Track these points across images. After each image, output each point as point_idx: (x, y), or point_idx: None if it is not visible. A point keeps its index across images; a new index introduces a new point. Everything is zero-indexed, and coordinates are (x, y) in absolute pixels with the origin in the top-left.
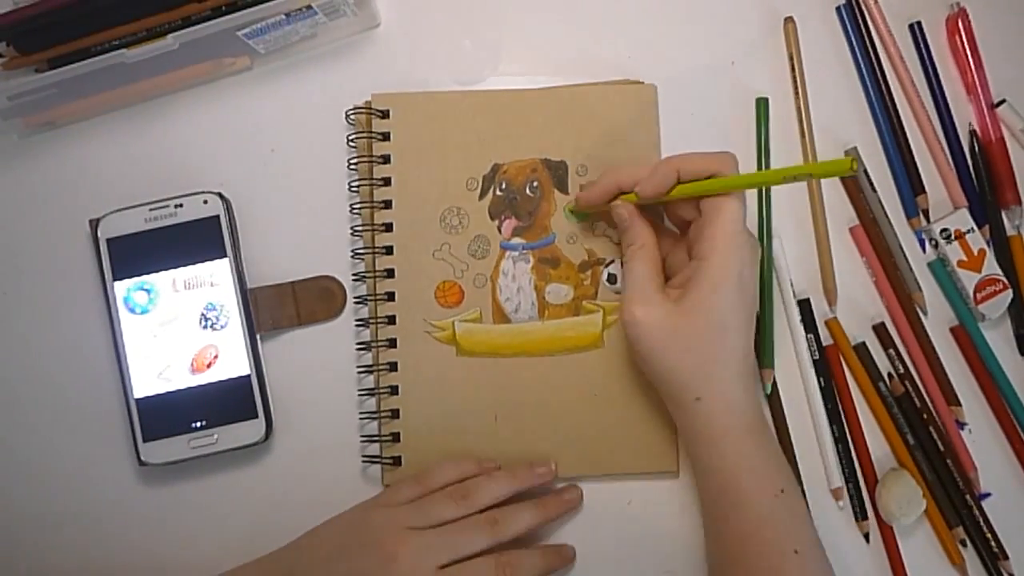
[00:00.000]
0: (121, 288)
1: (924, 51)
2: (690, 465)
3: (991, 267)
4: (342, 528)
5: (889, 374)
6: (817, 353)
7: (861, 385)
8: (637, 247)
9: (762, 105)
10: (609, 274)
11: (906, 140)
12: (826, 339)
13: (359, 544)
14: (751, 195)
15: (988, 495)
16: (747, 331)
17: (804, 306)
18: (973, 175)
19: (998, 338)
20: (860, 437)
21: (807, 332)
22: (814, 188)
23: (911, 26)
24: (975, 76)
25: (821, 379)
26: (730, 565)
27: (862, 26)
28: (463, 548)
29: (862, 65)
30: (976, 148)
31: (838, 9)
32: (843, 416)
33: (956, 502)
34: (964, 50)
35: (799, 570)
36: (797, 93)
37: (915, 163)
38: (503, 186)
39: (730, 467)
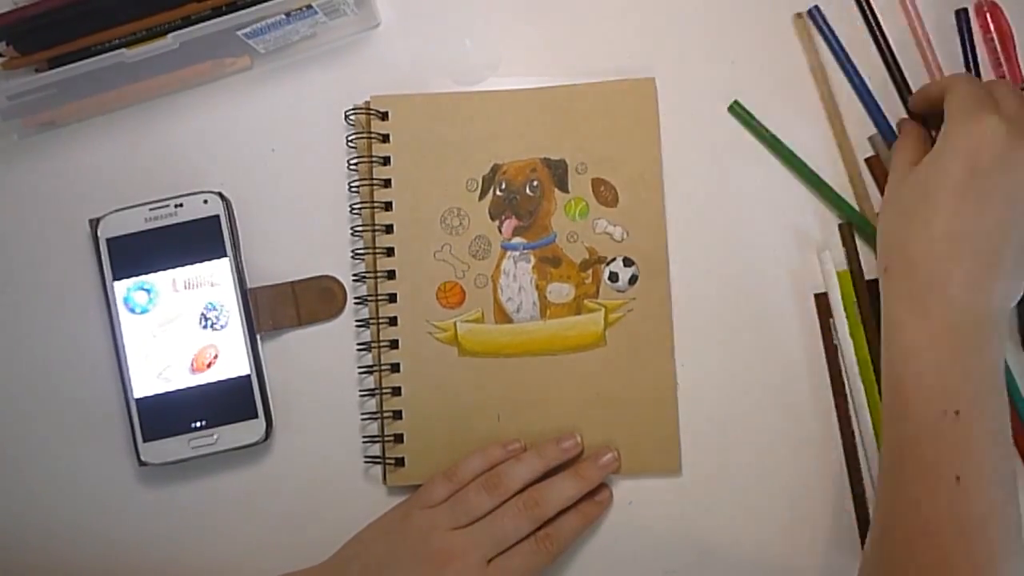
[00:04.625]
0: (121, 288)
1: (967, 38)
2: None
3: None
4: (385, 535)
5: None
6: None
7: None
8: (902, 136)
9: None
10: (611, 272)
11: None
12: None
13: (408, 553)
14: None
15: None
16: (953, 211)
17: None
18: None
19: None
20: None
21: None
22: (858, 185)
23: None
24: (1005, 68)
25: None
26: (886, 473)
27: (872, 21)
28: (508, 538)
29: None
30: None
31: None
32: None
33: None
34: (993, 42)
35: (957, 501)
36: (819, 84)
37: None
38: (503, 186)
39: (899, 360)
